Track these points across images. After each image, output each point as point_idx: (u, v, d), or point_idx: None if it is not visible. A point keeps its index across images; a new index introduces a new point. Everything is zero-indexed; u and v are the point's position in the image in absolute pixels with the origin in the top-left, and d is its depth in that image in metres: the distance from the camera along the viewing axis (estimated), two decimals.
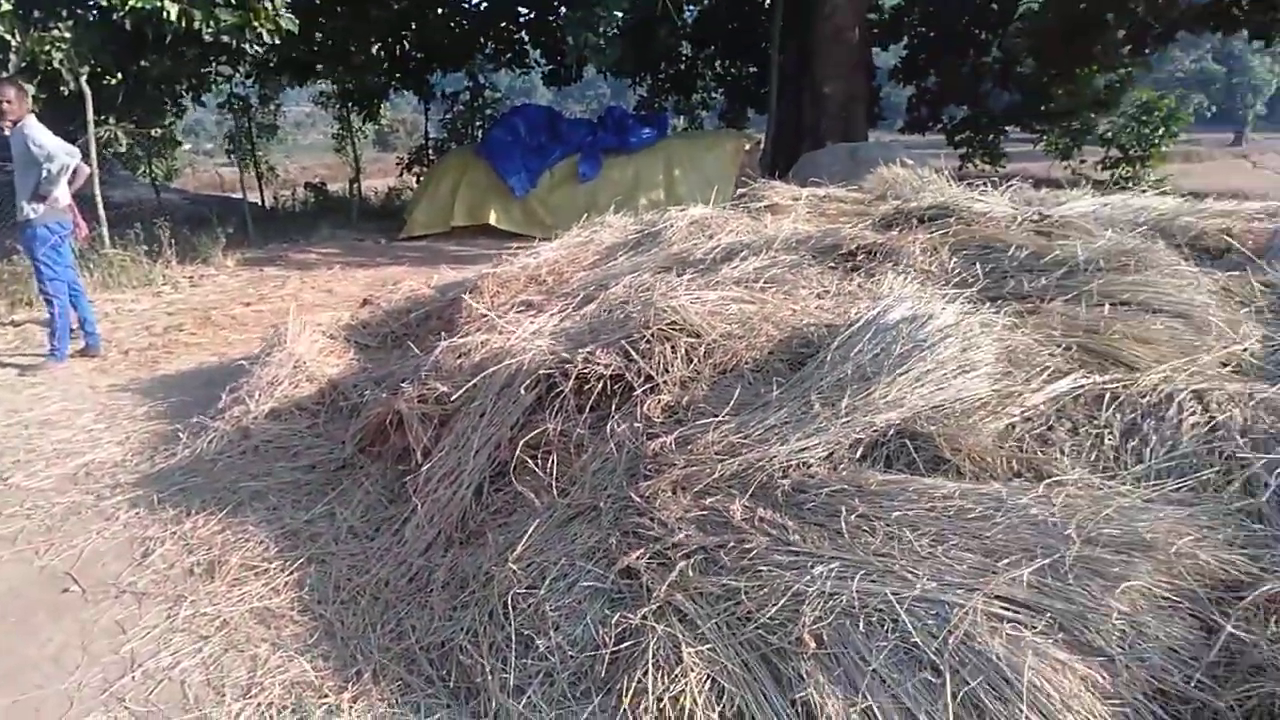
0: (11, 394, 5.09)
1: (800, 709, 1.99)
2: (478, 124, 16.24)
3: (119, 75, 8.46)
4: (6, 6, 7.11)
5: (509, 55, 15.36)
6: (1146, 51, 12.73)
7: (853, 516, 2.31)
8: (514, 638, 2.38)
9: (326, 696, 2.38)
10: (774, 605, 2.14)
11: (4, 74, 7.29)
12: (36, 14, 7.46)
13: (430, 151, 16.41)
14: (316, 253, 10.32)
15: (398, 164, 17.43)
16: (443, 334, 4.35)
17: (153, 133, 9.71)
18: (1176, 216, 4.36)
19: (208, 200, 16.12)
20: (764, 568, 2.25)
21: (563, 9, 11.93)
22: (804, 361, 3.02)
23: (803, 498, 2.45)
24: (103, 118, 8.62)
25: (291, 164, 22.78)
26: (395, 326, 5.23)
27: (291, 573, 2.98)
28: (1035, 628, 1.96)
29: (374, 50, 13.04)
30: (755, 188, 6.28)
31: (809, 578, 2.17)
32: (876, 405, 2.63)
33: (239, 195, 13.32)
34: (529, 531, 2.69)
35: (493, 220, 11.08)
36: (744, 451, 2.62)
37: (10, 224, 6.02)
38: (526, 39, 15.27)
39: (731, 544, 2.36)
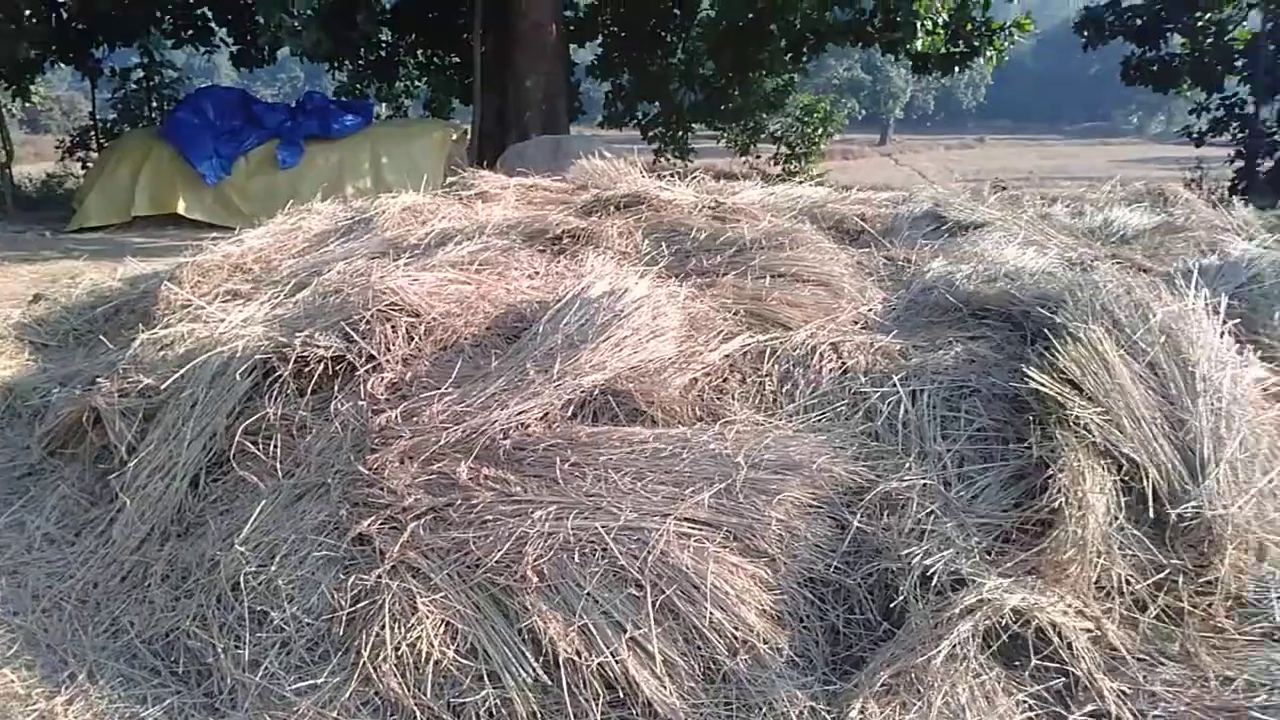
0: None
1: (527, 636, 2.26)
2: (155, 105, 14.81)
3: None
4: None
5: (190, 32, 14.14)
6: (805, 60, 14.44)
7: (566, 465, 2.61)
8: (246, 616, 2.43)
9: (36, 704, 2.28)
10: (500, 550, 2.39)
11: None
12: None
13: (98, 134, 14.70)
14: None
15: (57, 147, 15.43)
16: (139, 327, 4.10)
17: None
18: (825, 204, 5.15)
19: None
20: (490, 518, 2.49)
21: None
22: (519, 335, 3.28)
23: (522, 454, 2.71)
24: None
25: None
26: (78, 323, 4.81)
27: None
28: (716, 540, 2.38)
29: (26, 18, 11.47)
30: (465, 176, 6.45)
31: (530, 521, 2.43)
32: (584, 369, 2.95)
33: None
34: (255, 514, 2.72)
35: (181, 209, 10.24)
36: (467, 419, 2.83)
37: None
38: (211, 15, 14.15)
39: (459, 502, 2.58)
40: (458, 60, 15.76)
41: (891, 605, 2.27)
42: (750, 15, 13.57)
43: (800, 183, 6.36)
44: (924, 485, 2.48)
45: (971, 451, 2.61)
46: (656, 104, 15.99)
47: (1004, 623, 2.13)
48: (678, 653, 2.20)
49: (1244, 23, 15.81)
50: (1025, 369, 2.60)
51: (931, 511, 2.40)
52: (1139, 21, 16.07)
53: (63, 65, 14.57)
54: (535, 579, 2.33)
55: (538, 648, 2.22)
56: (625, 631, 2.21)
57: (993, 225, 4.43)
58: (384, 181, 10.00)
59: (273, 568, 2.53)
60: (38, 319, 4.86)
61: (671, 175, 5.80)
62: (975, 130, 53.08)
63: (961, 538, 2.33)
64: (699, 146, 17.37)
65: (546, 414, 2.89)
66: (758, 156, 16.10)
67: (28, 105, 16.60)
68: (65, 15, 13.07)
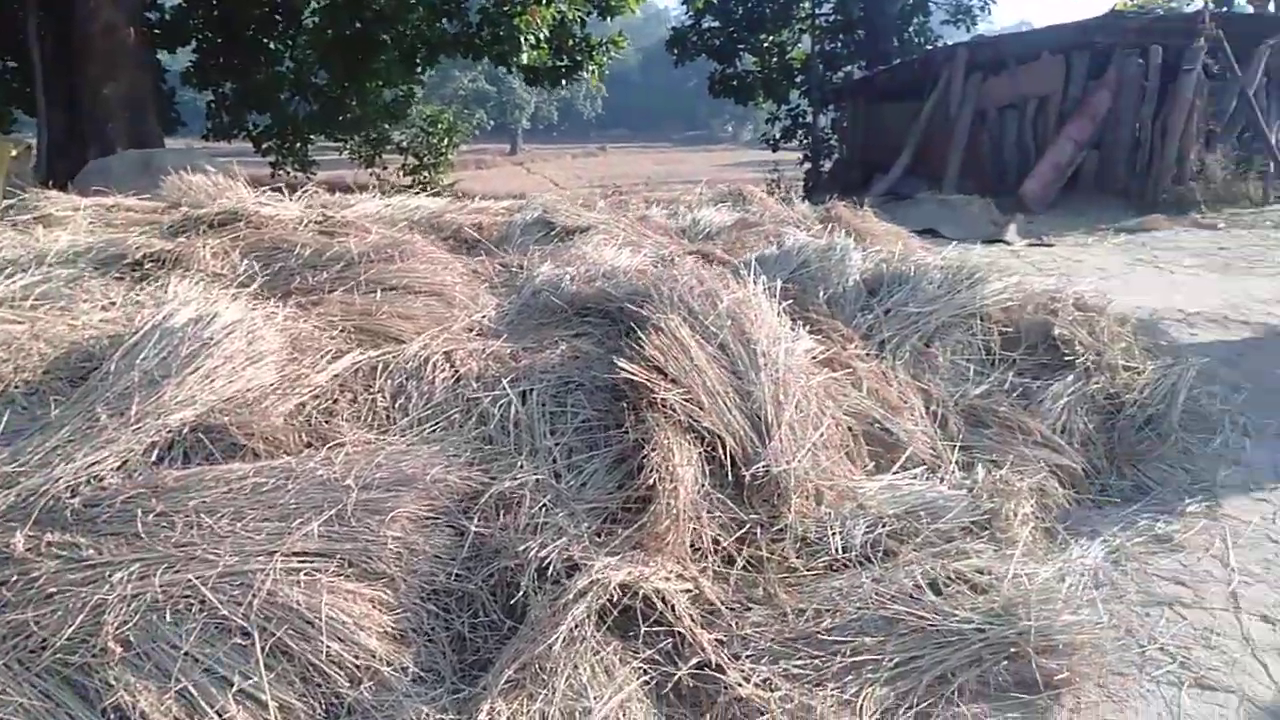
0: None
1: (114, 715, 1.99)
2: None
3: None
4: None
5: None
6: (420, 70, 14.34)
7: (150, 517, 2.34)
8: None
9: None
10: (72, 625, 2.08)
11: None
12: None
13: None
14: None
15: None
16: None
17: None
18: (443, 214, 5.16)
19: None
20: (56, 591, 2.16)
21: None
22: (87, 376, 2.89)
23: (95, 511, 2.39)
24: None
25: None
26: None
27: None
28: (329, 570, 2.27)
29: None
30: (25, 199, 5.55)
31: (107, 587, 2.15)
32: (168, 407, 2.68)
33: None
34: None
35: None
36: (22, 480, 2.43)
37: None
38: None
39: (15, 577, 2.21)
40: (15, 65, 13.49)
41: (513, 602, 2.33)
42: (358, 24, 13.19)
43: (425, 194, 6.32)
44: (536, 481, 2.57)
45: (579, 442, 2.76)
46: (268, 114, 14.94)
47: (614, 598, 2.28)
48: (295, 695, 2.07)
49: (799, 44, 18.51)
50: (617, 360, 2.80)
51: (544, 505, 2.50)
52: (717, 42, 18.19)
53: None
54: (119, 649, 2.06)
55: None
56: (232, 685, 2.04)
57: (596, 228, 4.73)
58: None
59: None
60: None
61: (280, 190, 5.44)
62: (597, 139, 56.32)
63: (572, 525, 2.45)
64: (323, 159, 16.55)
65: (125, 462, 2.57)
66: (384, 168, 15.69)
67: None
68: None
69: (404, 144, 15.15)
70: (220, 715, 1.99)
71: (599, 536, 2.45)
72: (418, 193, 6.47)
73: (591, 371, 2.97)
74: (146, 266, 3.97)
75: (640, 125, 65.56)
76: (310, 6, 14.39)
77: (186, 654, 2.07)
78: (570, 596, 2.21)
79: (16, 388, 2.85)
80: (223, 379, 2.81)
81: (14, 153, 10.07)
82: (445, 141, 14.87)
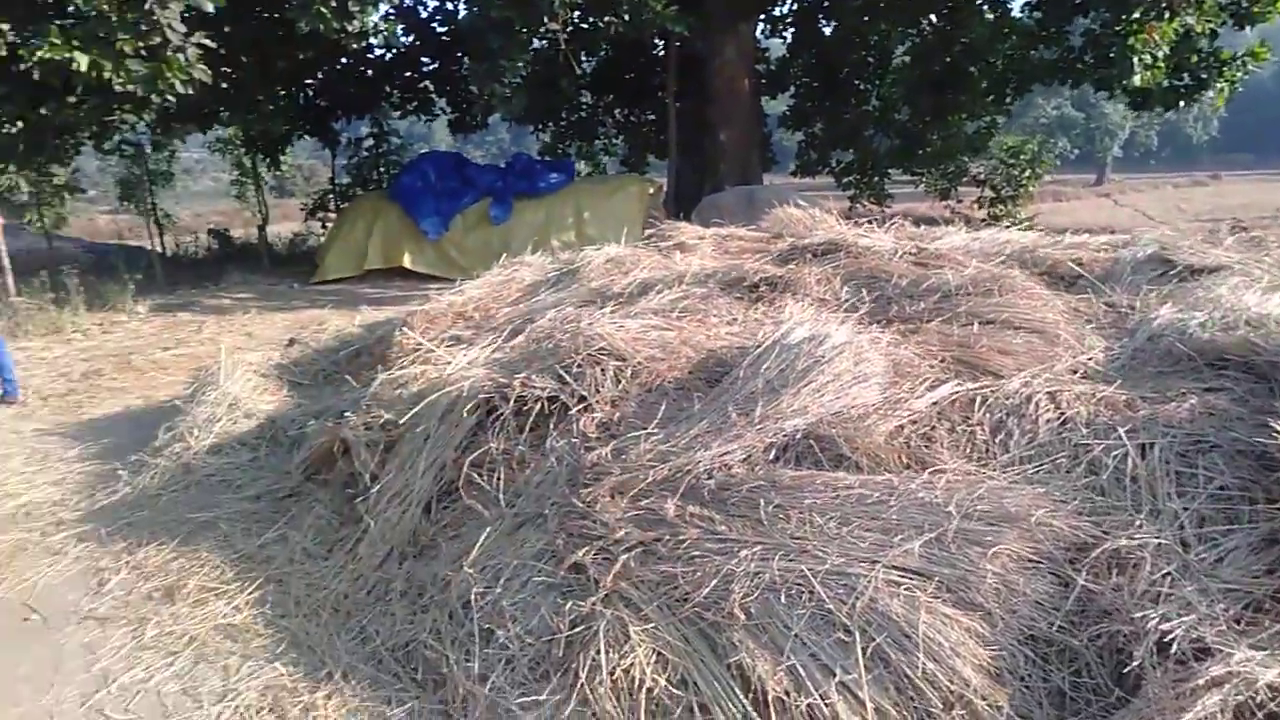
0: None
1: (735, 672, 2.31)
2: (382, 169, 16.35)
3: (20, 123, 8.36)
4: None
5: (415, 103, 15.60)
6: (1007, 101, 13.90)
7: (770, 507, 2.66)
8: (476, 632, 2.64)
9: (301, 696, 2.57)
10: (707, 586, 2.46)
11: None
12: None
13: (335, 197, 16.41)
14: (230, 298, 10.28)
15: (301, 209, 17.35)
16: (377, 368, 4.56)
17: (54, 180, 9.54)
18: (1035, 249, 4.95)
19: (104, 248, 15.71)
20: (696, 555, 2.58)
21: (466, 59, 12.30)
22: (719, 379, 3.39)
23: (726, 494, 2.79)
24: (4, 166, 8.47)
25: (183, 210, 22.33)
26: (325, 364, 5.39)
27: (251, 592, 3.15)
28: (927, 590, 2.34)
29: (279, 97, 13.08)
30: (662, 228, 6.70)
31: (736, 560, 2.50)
32: (785, 413, 3.01)
33: (136, 243, 13.06)
34: (481, 539, 2.95)
35: (407, 263, 11.25)
36: (672, 458, 2.95)
37: None
38: (432, 87, 15.55)
39: (667, 537, 2.69)
40: (653, 117, 16.39)
41: (1125, 671, 2.15)
42: (948, 59, 13.28)
43: (1007, 227, 6.13)
44: (1158, 545, 2.33)
45: (1213, 511, 2.43)
46: (850, 151, 15.89)
47: (1258, 699, 1.96)
48: (889, 702, 2.18)
49: None
50: (1273, 423, 2.40)
51: (1168, 573, 2.25)
52: None
53: (306, 137, 16.39)
54: (743, 616, 2.38)
55: (746, 684, 2.27)
56: (834, 675, 2.22)
57: (1230, 269, 4.10)
58: (586, 234, 10.54)
59: (498, 589, 2.73)
60: (293, 360, 5.49)
61: (869, 222, 5.76)
62: (1209, 166, 48.42)
63: (1204, 603, 2.17)
64: (896, 192, 17.07)
65: (749, 456, 2.95)
66: (959, 201, 15.59)
67: (277, 173, 18.80)
68: (311, 94, 14.79)
69: (981, 176, 14.87)
70: (823, 699, 2.18)
71: (1238, 623, 2.13)
72: (1008, 226, 6.27)
73: (1231, 433, 2.60)
74: (761, 289, 4.51)
75: (1270, 149, 54.59)
76: (902, 46, 14.92)
77: (796, 635, 2.31)
78: (1201, 683, 1.96)
79: (669, 383, 3.46)
80: (831, 394, 3.07)
81: (650, 190, 12.27)
82: (1027, 173, 14.23)
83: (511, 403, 3.46)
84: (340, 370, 5.26)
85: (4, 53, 7.33)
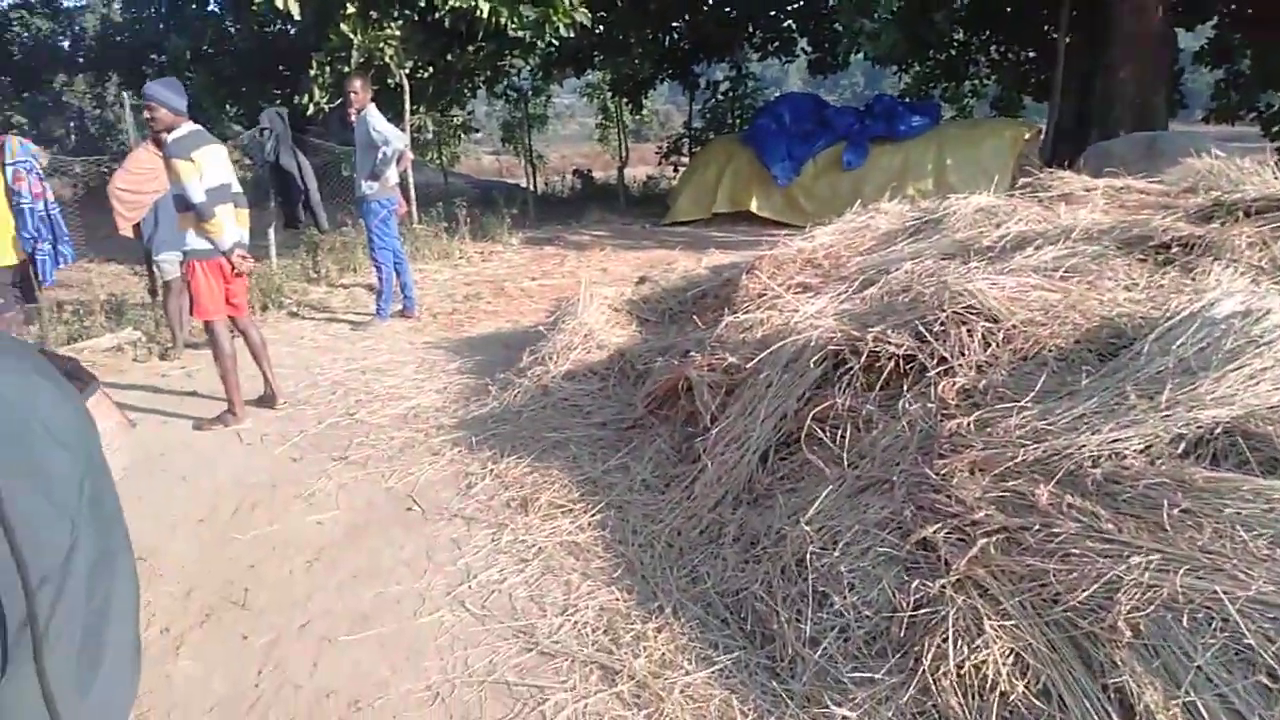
0: (349, 345, 5.93)
1: (1113, 695, 1.97)
2: (737, 113, 16.49)
3: (430, 69, 9.46)
4: (351, 9, 8.20)
5: (776, 44, 15.44)
6: None
7: (1175, 511, 2.22)
8: (809, 593, 2.51)
9: (634, 624, 2.63)
10: (1084, 590, 2.12)
11: (347, 68, 8.43)
12: (373, 14, 8.53)
13: (689, 141, 16.88)
14: (589, 235, 11.00)
15: (656, 152, 18.10)
16: (723, 310, 4.56)
17: (454, 120, 10.75)
18: None
19: (487, 184, 17.59)
20: (1074, 552, 2.23)
21: None
22: (1115, 353, 2.91)
23: (1116, 488, 2.38)
24: (416, 108, 9.68)
25: (553, 152, 24.31)
26: (673, 303, 5.52)
27: (593, 514, 3.30)
28: None
29: (648, 41, 13.59)
30: (1040, 178, 5.99)
31: (1125, 567, 2.12)
32: (1202, 401, 2.50)
33: (514, 181, 14.42)
34: (820, 497, 2.81)
35: (754, 208, 11.27)
36: (1049, 438, 2.58)
37: (346, 199, 6.95)
38: (794, 27, 15.28)
39: (1037, 526, 2.35)
40: (1033, 55, 14.77)
41: None
42: None
43: None
44: None
45: None
46: None
47: None
48: None
49: None
50: None
51: None
52: None
53: (666, 81, 16.96)
54: (1128, 633, 2.01)
55: (1127, 712, 1.92)
56: None
57: None
58: (947, 183, 9.79)
59: (835, 553, 2.58)
60: (643, 297, 5.69)
61: None
62: None
63: None
64: None
65: (1149, 447, 2.49)
66: None
67: (637, 117, 19.74)
68: (676, 37, 15.22)
69: None
70: None
71: None
72: None
73: None
74: (1172, 251, 3.82)
75: None
76: None
77: (1199, 669, 1.91)
78: None
79: (1049, 351, 3.03)
80: (1270, 382, 2.49)
81: (1027, 136, 11.09)
82: None
83: (862, 358, 3.25)
84: (686, 310, 5.35)
85: (425, 4, 8.29)
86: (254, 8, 8.56)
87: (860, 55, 12.87)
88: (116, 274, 8.77)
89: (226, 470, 3.93)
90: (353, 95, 6.14)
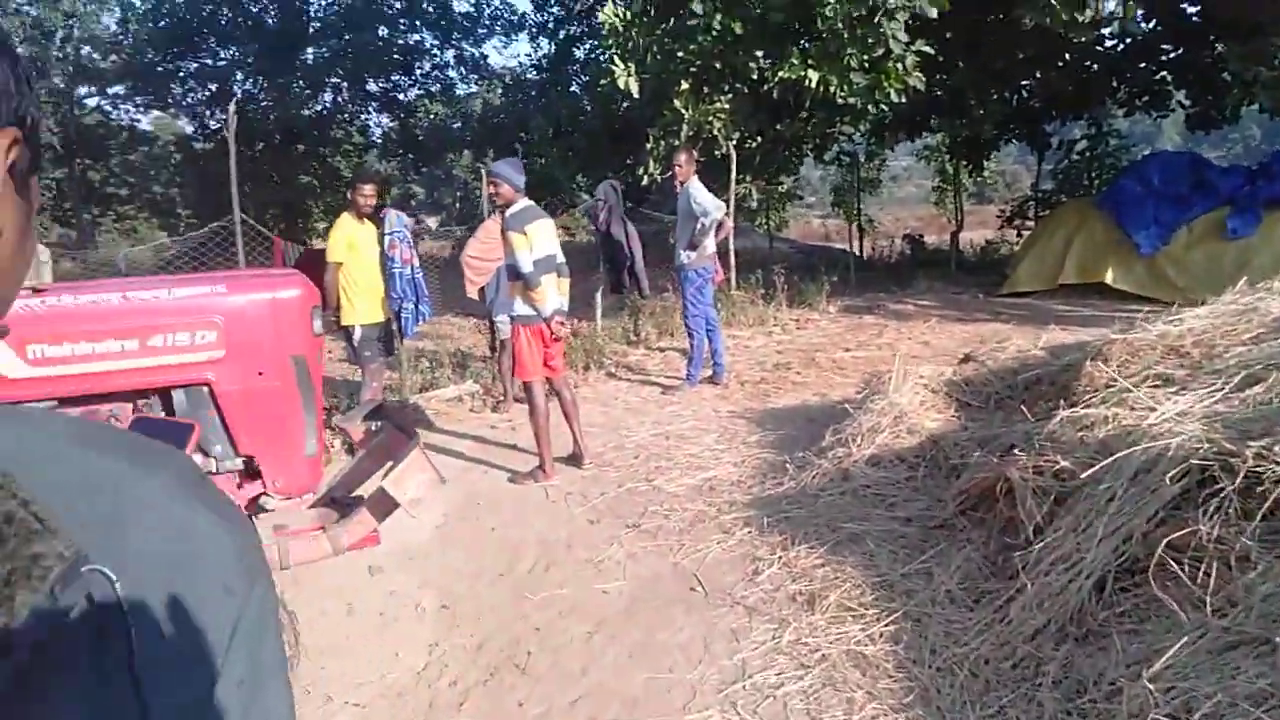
0: (656, 408, 6.07)
1: None
2: (1095, 174, 14.94)
3: (759, 139, 9.64)
4: (684, 86, 8.62)
5: (1145, 97, 13.80)
6: None
7: None
8: None
9: None
10: None
11: (677, 141, 8.85)
12: (705, 90, 8.90)
13: (1035, 204, 15.58)
14: (913, 304, 10.47)
15: (998, 216, 16.93)
16: (1058, 401, 4.00)
17: (780, 188, 10.84)
18: None
19: (811, 249, 17.58)
20: None
21: (1219, 43, 10.32)
22: None
23: None
24: (741, 176, 9.89)
25: (884, 215, 23.73)
26: (1000, 387, 4.98)
27: (887, 623, 2.97)
28: None
29: (990, 100, 12.80)
30: None
31: None
32: None
33: (840, 246, 14.19)
34: (1172, 648, 2.28)
35: (1109, 279, 9.97)
36: None
37: (670, 265, 7.19)
38: (1169, 78, 13.55)
39: None
40: None
41: None
42: None
43: None
44: None
45: None
46: None
47: None
48: None
49: None
50: None
51: None
52: None
53: (1014, 141, 15.81)
54: None
55: None
56: None
57: None
58: None
59: None
60: (965, 378, 5.20)
61: None
62: None
63: None
64: None
65: None
66: None
67: (978, 179, 18.63)
68: (1024, 94, 14.15)
69: None
70: None
71: None
72: None
73: None
74: None
75: None
76: None
77: None
78: None
79: None
80: None
81: None
82: None
83: (1238, 478, 2.64)
84: (1015, 396, 4.79)
85: (755, 77, 8.49)
86: (599, 88, 9.29)
87: (1254, 107, 11.06)
88: (470, 328, 9.85)
89: (530, 526, 4.12)
90: (677, 169, 6.37)
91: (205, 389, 2.77)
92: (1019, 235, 15.26)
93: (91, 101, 25.96)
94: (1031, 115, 14.41)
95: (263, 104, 21.91)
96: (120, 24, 22.87)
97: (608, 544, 3.84)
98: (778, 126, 9.44)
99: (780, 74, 8.06)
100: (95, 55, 24.07)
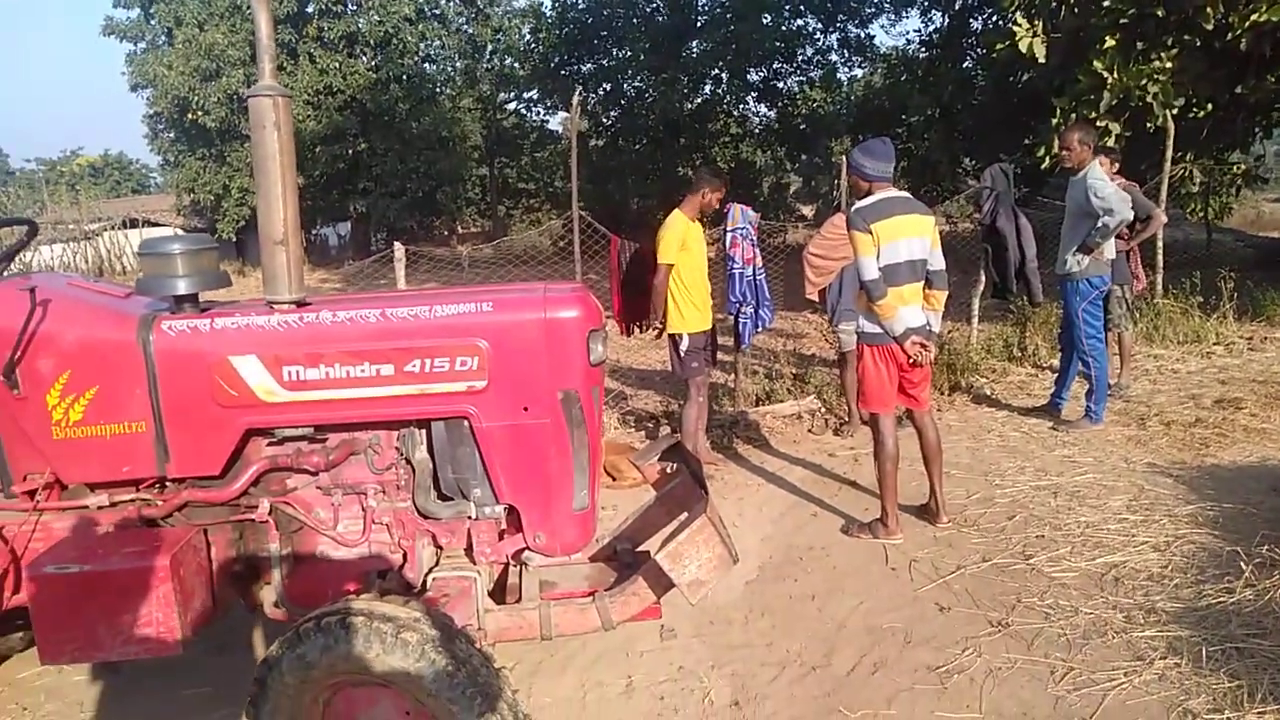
0: (1042, 450, 4.83)
1: None
2: None
3: (1209, 106, 7.61)
4: (1110, 42, 6.96)
5: None
6: None
7: None
8: None
9: None
10: None
11: (1095, 113, 7.24)
12: (1139, 46, 7.12)
13: None
14: None
15: None
16: None
17: (1232, 168, 8.60)
18: None
19: (1266, 242, 14.19)
20: None
21: None
22: None
23: None
24: (1180, 154, 7.90)
25: None
26: None
27: None
28: None
29: None
30: None
31: None
32: None
33: None
34: None
35: None
36: None
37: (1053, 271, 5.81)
38: None
39: None
40: None
41: None
42: None
43: None
44: None
45: None
46: None
47: None
48: None
49: None
50: None
51: None
52: None
53: None
54: None
55: None
56: None
57: None
58: None
59: None
60: None
61: None
62: None
63: None
64: None
65: None
66: None
67: None
68: None
69: None
70: None
71: None
72: None
73: None
74: None
75: None
76: None
77: None
78: None
79: None
80: None
81: None
82: None
83: None
84: None
85: (1212, 26, 6.59)
86: (993, 55, 7.93)
87: None
88: (816, 326, 9.03)
89: (860, 601, 3.28)
90: (1066, 152, 5.03)
91: (465, 423, 2.36)
92: None
93: (510, 106, 29.32)
94: None
95: (648, 99, 22.84)
96: (533, 33, 25.17)
97: (960, 647, 2.89)
98: (1239, 89, 7.35)
99: (1254, 17, 6.10)
100: (515, 64, 26.93)
